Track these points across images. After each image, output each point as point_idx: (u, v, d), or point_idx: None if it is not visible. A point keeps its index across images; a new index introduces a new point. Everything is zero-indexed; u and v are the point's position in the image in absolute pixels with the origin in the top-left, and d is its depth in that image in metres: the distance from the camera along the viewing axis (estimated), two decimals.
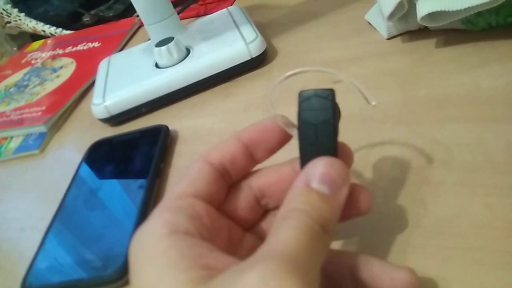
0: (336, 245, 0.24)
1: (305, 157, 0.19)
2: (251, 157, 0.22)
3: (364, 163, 0.28)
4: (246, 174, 0.22)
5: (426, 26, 0.36)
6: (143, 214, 0.30)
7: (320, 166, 0.18)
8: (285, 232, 0.16)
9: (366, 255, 0.20)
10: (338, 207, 0.18)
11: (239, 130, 0.22)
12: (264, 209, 0.22)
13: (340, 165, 0.18)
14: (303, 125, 0.19)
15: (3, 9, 0.72)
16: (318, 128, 0.19)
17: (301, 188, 0.18)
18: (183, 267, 0.16)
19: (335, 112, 0.19)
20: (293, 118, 0.20)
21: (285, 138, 0.22)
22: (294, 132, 0.20)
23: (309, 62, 0.41)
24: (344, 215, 0.20)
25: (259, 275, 0.14)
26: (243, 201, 0.22)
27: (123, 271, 0.26)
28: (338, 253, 0.21)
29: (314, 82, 0.21)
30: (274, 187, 0.22)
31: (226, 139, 0.22)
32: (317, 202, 0.17)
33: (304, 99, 0.20)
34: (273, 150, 0.22)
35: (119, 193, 0.33)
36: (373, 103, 0.21)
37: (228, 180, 0.21)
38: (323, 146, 0.19)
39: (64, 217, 0.32)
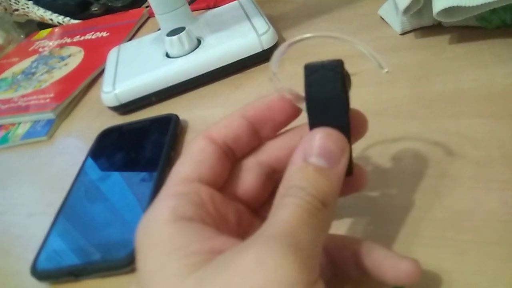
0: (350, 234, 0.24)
1: None
2: (255, 135, 0.21)
3: (378, 157, 0.28)
4: (251, 150, 0.21)
5: (439, 22, 0.36)
6: (154, 201, 0.29)
7: (317, 139, 0.18)
8: (283, 210, 0.16)
9: (371, 242, 0.20)
10: (338, 180, 0.18)
11: (244, 105, 0.21)
12: (276, 184, 0.22)
13: (338, 135, 0.18)
14: (311, 100, 0.18)
15: None
16: (328, 103, 0.18)
17: (299, 164, 0.18)
18: (188, 252, 0.16)
19: (345, 85, 0.18)
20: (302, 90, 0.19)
21: (294, 115, 0.21)
22: (303, 106, 0.19)
23: (321, 56, 0.40)
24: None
25: (255, 256, 0.14)
26: (253, 180, 0.21)
27: (133, 257, 0.26)
28: (343, 238, 0.21)
29: (331, 55, 0.20)
30: (285, 162, 0.21)
31: (229, 114, 0.21)
32: (315, 177, 0.17)
33: (310, 72, 0.18)
34: (280, 127, 0.21)
35: (129, 179, 0.33)
36: (386, 70, 0.20)
37: (231, 158, 0.21)
38: (335, 120, 0.18)
39: (74, 203, 0.32)
